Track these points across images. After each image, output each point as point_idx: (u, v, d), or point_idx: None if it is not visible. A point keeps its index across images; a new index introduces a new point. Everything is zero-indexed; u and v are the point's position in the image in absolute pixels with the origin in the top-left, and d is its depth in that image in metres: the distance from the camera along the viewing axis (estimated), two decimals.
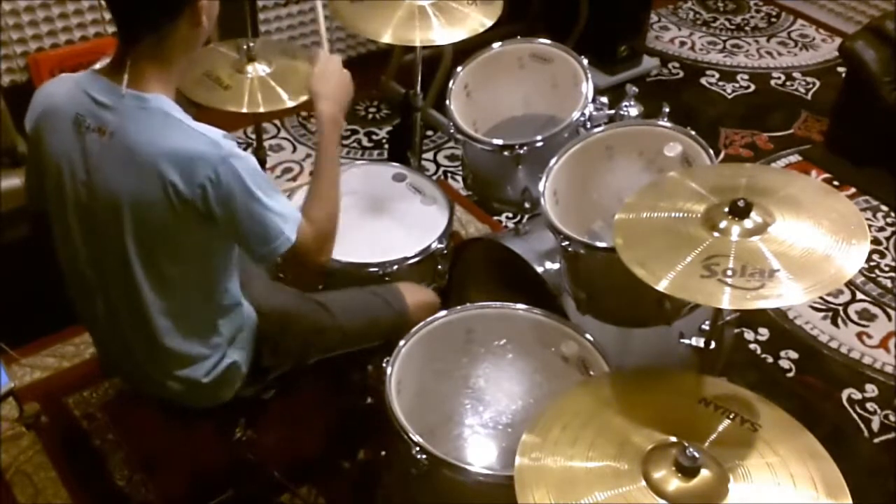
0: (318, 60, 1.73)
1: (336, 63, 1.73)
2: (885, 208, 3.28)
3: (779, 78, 4.07)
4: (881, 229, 3.18)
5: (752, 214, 1.45)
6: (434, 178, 3.00)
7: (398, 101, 3.46)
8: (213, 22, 1.50)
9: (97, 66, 1.52)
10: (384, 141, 3.49)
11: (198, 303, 1.59)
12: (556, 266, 2.07)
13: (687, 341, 1.80)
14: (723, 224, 1.45)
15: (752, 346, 2.71)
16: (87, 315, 1.69)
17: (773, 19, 4.55)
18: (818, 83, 4.03)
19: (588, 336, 1.77)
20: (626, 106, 2.09)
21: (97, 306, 1.61)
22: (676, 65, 4.13)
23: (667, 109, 2.02)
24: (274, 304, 1.78)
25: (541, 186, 1.93)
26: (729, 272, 1.37)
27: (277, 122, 3.55)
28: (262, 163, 2.51)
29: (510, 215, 3.14)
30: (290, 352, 1.79)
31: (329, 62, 1.73)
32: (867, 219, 3.17)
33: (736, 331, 2.51)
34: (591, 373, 1.73)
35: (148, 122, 1.42)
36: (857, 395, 2.55)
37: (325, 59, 1.73)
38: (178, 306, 1.57)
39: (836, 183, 3.35)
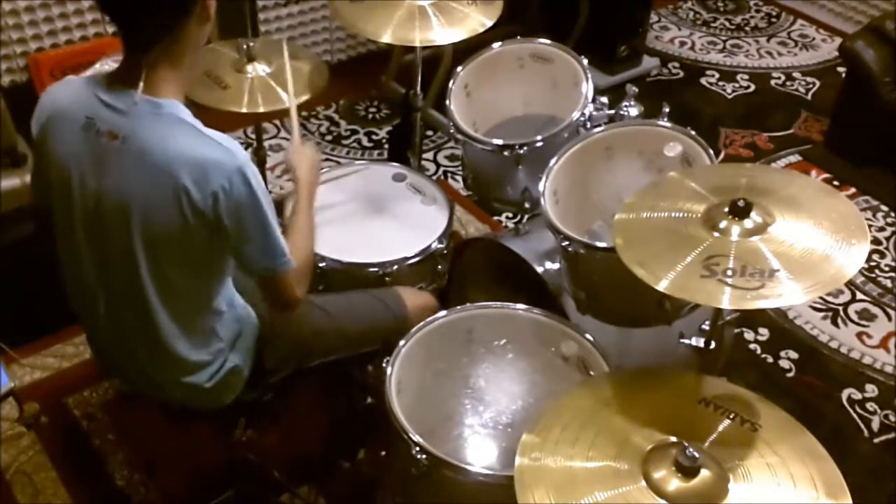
0: (293, 146, 1.88)
1: (308, 147, 1.88)
2: (885, 208, 3.28)
3: (779, 78, 4.07)
4: (881, 229, 3.18)
5: (752, 214, 1.44)
6: (434, 178, 3.00)
7: (398, 101, 3.46)
8: (213, 16, 1.50)
9: (98, 65, 1.52)
10: (384, 141, 3.49)
11: (198, 307, 1.59)
12: (556, 266, 2.07)
13: (687, 341, 1.80)
14: (723, 224, 1.45)
15: (752, 346, 2.71)
16: (87, 318, 1.68)
17: (773, 19, 4.56)
18: (818, 83, 4.03)
19: (588, 336, 1.77)
20: (626, 106, 2.09)
21: (98, 309, 1.61)
22: (676, 65, 4.13)
23: (667, 109, 2.02)
24: None
25: (541, 186, 1.93)
26: (729, 272, 1.37)
27: (277, 122, 3.55)
28: (263, 162, 2.51)
29: (510, 215, 3.14)
30: (291, 355, 1.79)
31: (303, 147, 1.87)
32: (867, 219, 3.18)
33: (736, 331, 2.51)
34: (591, 373, 1.73)
35: (162, 127, 1.42)
36: (857, 395, 2.55)
37: (298, 145, 1.88)
38: (181, 310, 1.57)
39: (836, 183, 3.35)
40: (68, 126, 1.47)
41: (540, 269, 2.11)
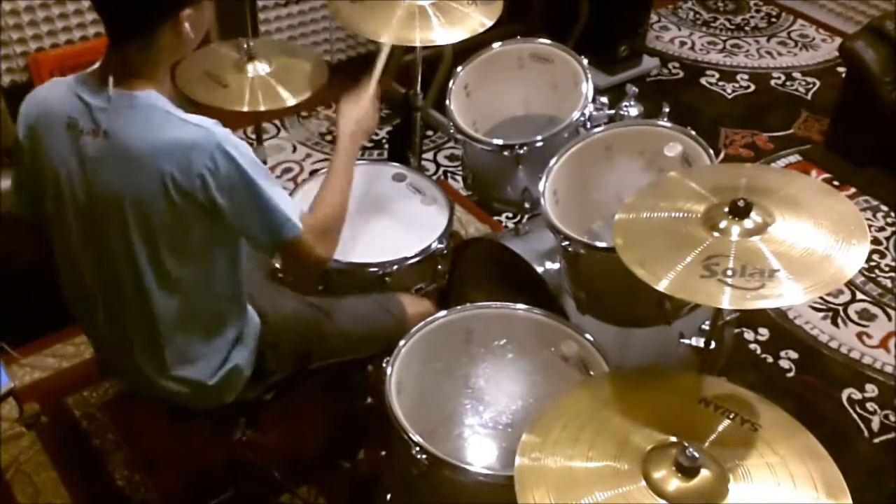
0: (363, 91, 1.87)
1: (372, 98, 1.88)
2: (885, 208, 3.28)
3: (779, 78, 4.07)
4: (881, 229, 3.18)
5: (752, 214, 1.44)
6: (434, 178, 3.00)
7: (398, 101, 3.46)
8: (202, 31, 1.50)
9: (97, 65, 1.52)
10: (384, 141, 3.49)
11: (204, 304, 1.59)
12: (556, 266, 2.07)
13: (687, 341, 1.79)
14: (723, 224, 1.45)
15: (752, 346, 2.71)
16: (85, 321, 1.68)
17: (773, 19, 4.56)
18: (818, 83, 4.03)
19: (588, 336, 1.77)
20: (626, 106, 2.09)
21: (97, 312, 1.61)
22: (676, 65, 4.13)
23: (667, 109, 2.02)
24: (276, 308, 1.78)
25: (541, 186, 1.93)
26: (729, 272, 1.37)
27: (277, 122, 3.55)
28: (263, 163, 2.50)
29: (510, 215, 3.14)
30: (292, 356, 1.78)
31: (357, 99, 1.86)
32: (867, 219, 3.18)
33: (736, 331, 2.51)
34: (591, 373, 1.73)
35: (138, 118, 1.42)
36: (857, 395, 2.55)
37: (365, 91, 1.87)
38: (185, 307, 1.56)
39: (836, 183, 3.35)
40: (54, 128, 1.47)
41: (540, 269, 2.11)
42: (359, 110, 1.83)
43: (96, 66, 1.48)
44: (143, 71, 1.45)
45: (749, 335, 2.73)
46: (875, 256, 3.05)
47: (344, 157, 1.72)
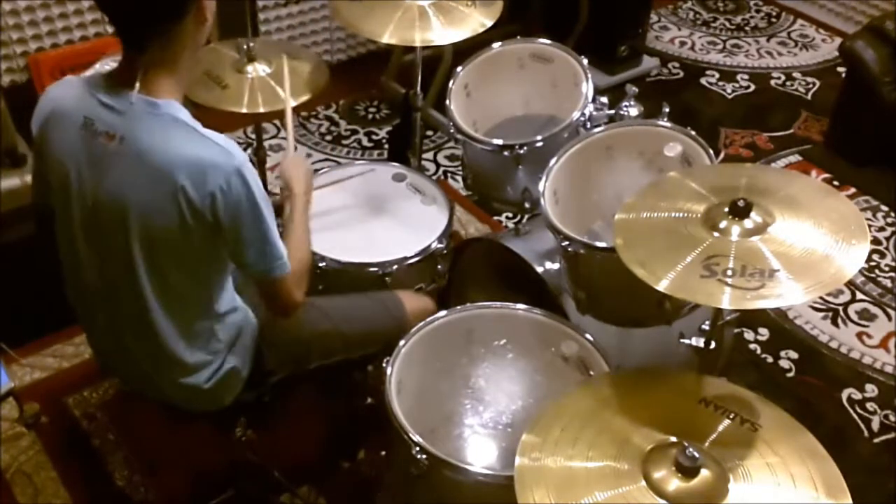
0: (287, 157, 1.85)
1: (301, 158, 1.88)
2: (885, 208, 3.28)
3: (779, 78, 4.07)
4: (881, 229, 3.18)
5: (752, 214, 1.45)
6: (434, 178, 3.00)
7: (398, 101, 3.46)
8: (213, 17, 1.50)
9: (98, 65, 1.52)
10: (384, 141, 3.49)
11: (198, 309, 1.59)
12: (556, 266, 2.07)
13: (687, 341, 1.80)
14: (723, 224, 1.45)
15: (752, 346, 2.71)
16: (86, 318, 1.69)
17: (773, 19, 4.56)
18: (818, 83, 4.03)
19: (588, 336, 1.77)
20: (626, 106, 2.10)
21: (97, 310, 1.61)
22: (676, 65, 4.13)
23: (667, 109, 2.02)
24: None
25: (541, 186, 1.93)
26: (729, 272, 1.37)
27: (277, 122, 3.55)
28: (262, 163, 2.51)
29: (510, 215, 3.14)
30: (290, 356, 1.78)
31: (297, 157, 1.86)
32: (867, 219, 3.17)
33: (736, 331, 2.51)
34: (591, 373, 1.73)
35: (159, 127, 1.41)
36: (857, 395, 2.55)
37: (293, 155, 1.87)
38: (180, 312, 1.56)
39: (836, 183, 3.35)
40: (67, 126, 1.47)
41: (540, 269, 2.11)
42: (299, 168, 1.81)
43: (115, 66, 1.47)
44: (166, 74, 1.44)
45: (749, 335, 2.73)
46: (875, 256, 3.05)
47: (302, 212, 1.73)
